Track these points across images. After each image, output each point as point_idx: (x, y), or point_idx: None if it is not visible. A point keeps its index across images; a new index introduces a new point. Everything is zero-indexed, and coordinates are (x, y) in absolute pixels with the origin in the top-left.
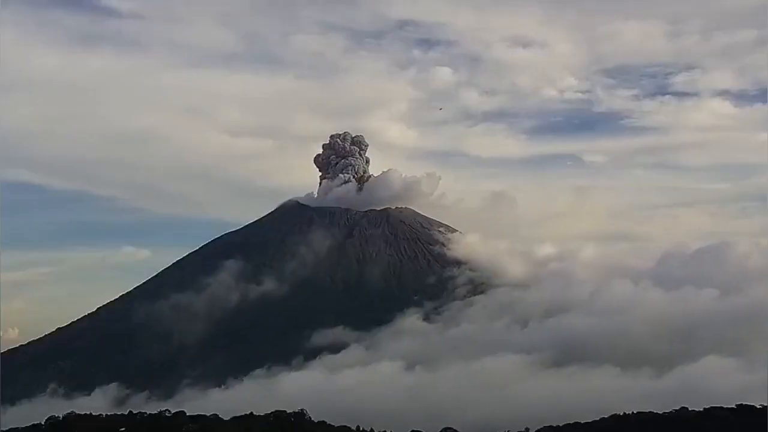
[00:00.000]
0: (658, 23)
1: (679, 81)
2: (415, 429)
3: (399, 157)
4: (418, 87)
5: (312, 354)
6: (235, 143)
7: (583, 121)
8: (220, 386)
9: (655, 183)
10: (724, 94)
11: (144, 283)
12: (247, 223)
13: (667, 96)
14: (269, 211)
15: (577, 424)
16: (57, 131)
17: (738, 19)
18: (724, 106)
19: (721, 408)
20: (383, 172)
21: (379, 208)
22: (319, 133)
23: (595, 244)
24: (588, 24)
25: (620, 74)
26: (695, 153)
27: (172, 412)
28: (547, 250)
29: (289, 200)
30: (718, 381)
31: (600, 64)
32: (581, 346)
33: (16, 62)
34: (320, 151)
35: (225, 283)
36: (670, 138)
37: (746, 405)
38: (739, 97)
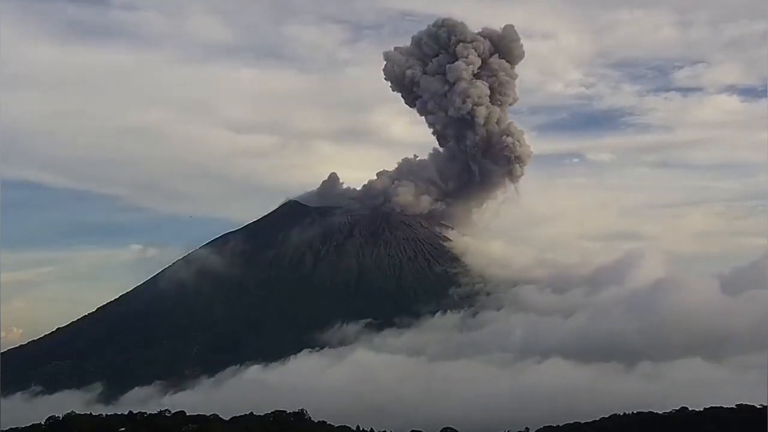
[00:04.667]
0: (665, 14)
1: (684, 76)
2: (415, 429)
3: (404, 152)
4: None
5: (311, 353)
6: (237, 140)
7: (587, 117)
8: (220, 386)
9: (660, 181)
10: (730, 89)
11: (144, 282)
12: (247, 222)
13: (672, 92)
14: (270, 210)
15: (576, 423)
16: (57, 128)
17: (747, 10)
18: (731, 102)
19: (721, 408)
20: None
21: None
22: (320, 129)
23: (600, 243)
24: (593, 14)
25: (625, 67)
26: (701, 150)
27: (172, 412)
28: (550, 249)
29: (290, 200)
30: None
31: (605, 57)
32: (582, 346)
33: (16, 57)
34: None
35: (225, 283)
36: (676, 135)
37: (746, 405)
38: (746, 93)
